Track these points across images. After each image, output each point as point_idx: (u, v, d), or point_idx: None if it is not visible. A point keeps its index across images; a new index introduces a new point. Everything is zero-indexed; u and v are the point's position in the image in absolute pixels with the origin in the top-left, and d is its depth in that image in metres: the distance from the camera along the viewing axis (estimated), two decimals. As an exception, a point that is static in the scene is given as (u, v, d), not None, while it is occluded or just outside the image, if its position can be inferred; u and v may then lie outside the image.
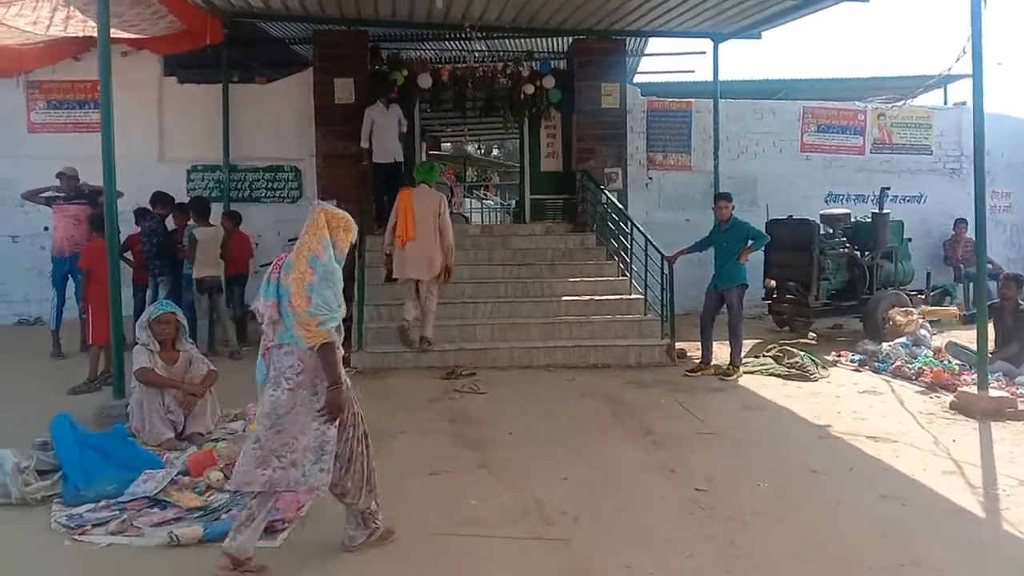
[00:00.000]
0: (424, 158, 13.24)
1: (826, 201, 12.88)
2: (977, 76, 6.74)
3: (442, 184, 10.21)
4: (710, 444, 5.78)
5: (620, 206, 10.91)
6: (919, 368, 8.02)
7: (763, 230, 9.94)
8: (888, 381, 7.93)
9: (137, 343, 5.71)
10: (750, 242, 8.22)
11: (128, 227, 9.67)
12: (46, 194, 9.10)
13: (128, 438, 5.12)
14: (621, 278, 10.13)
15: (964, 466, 5.32)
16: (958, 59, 7.70)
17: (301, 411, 3.68)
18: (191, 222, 9.15)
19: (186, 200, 9.97)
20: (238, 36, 11.20)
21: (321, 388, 3.70)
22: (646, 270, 9.42)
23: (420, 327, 8.31)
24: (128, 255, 9.51)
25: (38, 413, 5.96)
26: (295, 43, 12.93)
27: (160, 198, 9.39)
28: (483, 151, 28.96)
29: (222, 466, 4.77)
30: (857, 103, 13.93)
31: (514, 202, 15.92)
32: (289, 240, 10.40)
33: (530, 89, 11.68)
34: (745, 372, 8.16)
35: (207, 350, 8.59)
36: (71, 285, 8.77)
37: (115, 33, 8.73)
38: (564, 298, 9.63)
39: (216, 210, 10.36)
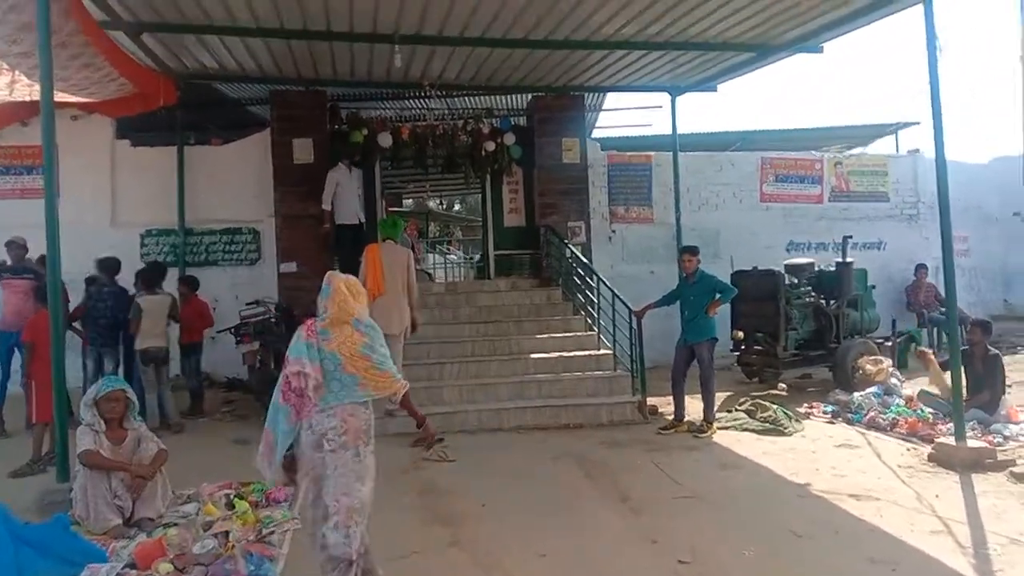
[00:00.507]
0: (385, 215, 13.11)
1: (787, 250, 12.97)
2: (937, 123, 6.78)
3: (403, 241, 10.09)
4: (690, 509, 5.56)
5: (585, 260, 10.83)
6: (893, 418, 7.93)
7: (729, 282, 9.94)
8: (863, 433, 7.81)
9: (81, 422, 5.36)
10: (718, 295, 8.13)
11: (79, 296, 9.36)
12: None
13: (70, 528, 4.74)
14: (589, 333, 9.99)
15: (951, 524, 5.17)
16: (913, 105, 7.77)
17: (346, 471, 3.88)
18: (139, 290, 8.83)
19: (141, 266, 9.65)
20: (193, 98, 11.02)
21: (364, 450, 3.96)
22: (614, 324, 9.28)
23: None
24: (78, 324, 9.15)
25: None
26: (252, 104, 12.78)
27: (105, 265, 9.00)
28: (445, 206, 28.94)
29: (172, 557, 4.42)
30: (814, 152, 14.14)
31: (478, 256, 15.81)
32: (247, 303, 10.21)
33: (491, 146, 11.65)
34: (719, 428, 8.00)
35: (158, 425, 8.22)
36: (17, 359, 8.34)
37: (63, 97, 8.50)
38: (532, 355, 9.45)
39: (172, 275, 10.09)
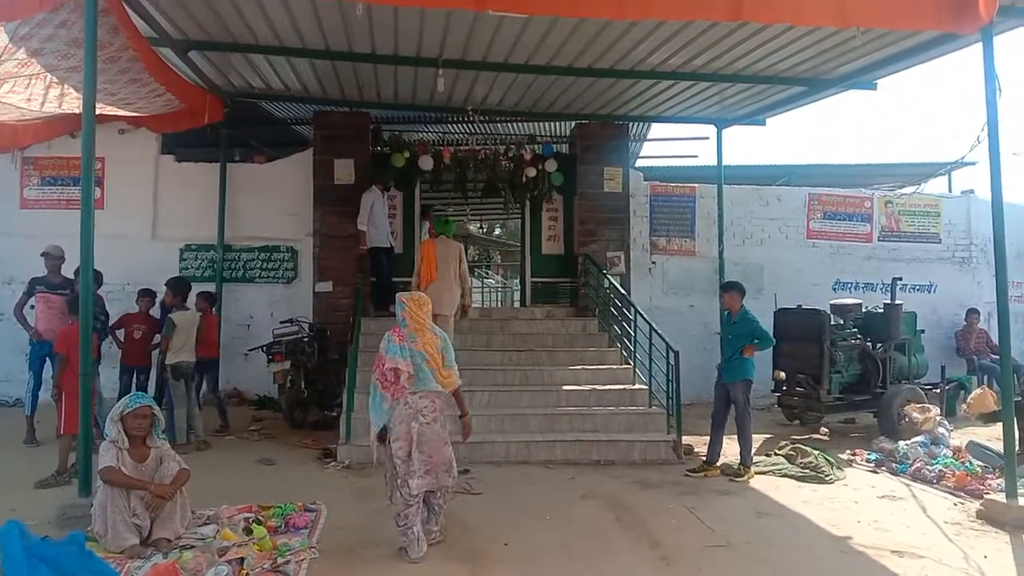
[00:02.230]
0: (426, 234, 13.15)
1: (834, 289, 12.64)
2: (995, 165, 6.51)
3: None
4: (723, 559, 5.30)
5: (623, 291, 10.64)
6: (940, 470, 7.57)
7: (772, 319, 9.68)
8: (908, 484, 7.46)
9: (106, 438, 5.31)
10: (755, 341, 7.86)
11: (116, 308, 9.45)
12: (27, 294, 8.84)
13: (85, 547, 4.65)
14: (624, 367, 9.77)
15: (1002, 589, 4.85)
16: (972, 148, 7.50)
17: (436, 436, 5.32)
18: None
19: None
20: (238, 115, 11.16)
21: (444, 423, 5.44)
22: (650, 358, 9.06)
23: None
24: (120, 334, 9.21)
25: (1, 507, 5.63)
26: (296, 123, 12.91)
27: (177, 286, 9.06)
28: (485, 230, 28.94)
29: (184, 583, 4.32)
30: (863, 190, 13.81)
31: (515, 282, 15.73)
32: (281, 322, 10.22)
33: (532, 172, 11.61)
34: (756, 472, 7.70)
35: (186, 441, 8.22)
36: (49, 368, 8.40)
37: (111, 111, 8.64)
38: (565, 387, 9.24)
39: (208, 289, 10.16)
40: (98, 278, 8.35)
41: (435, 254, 9.11)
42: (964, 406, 7.79)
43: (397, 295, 5.70)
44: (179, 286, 9.01)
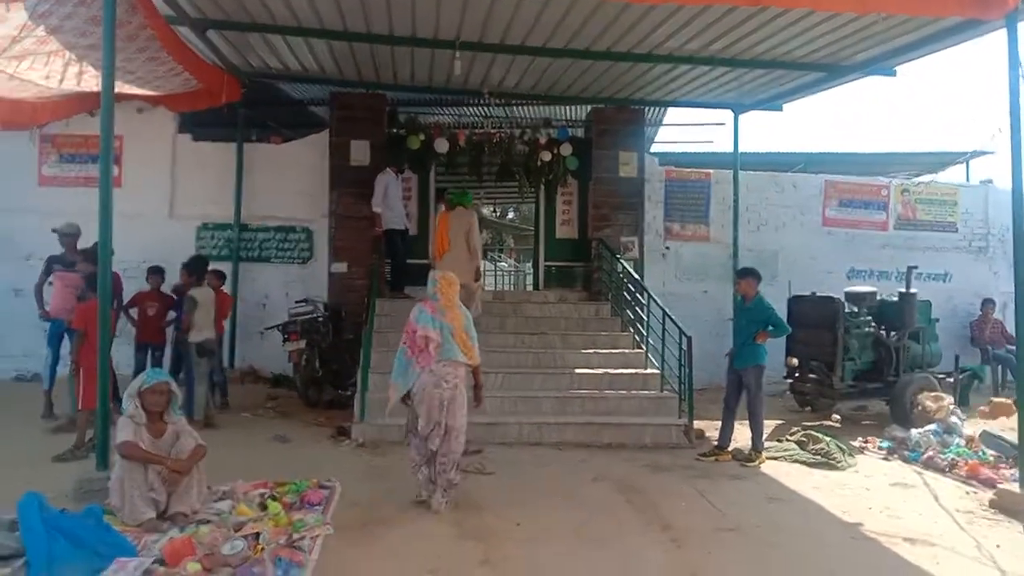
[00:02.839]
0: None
1: (848, 277, 12.59)
2: (1016, 154, 6.43)
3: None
4: (733, 543, 5.33)
5: (636, 276, 10.64)
6: (952, 459, 7.57)
7: (786, 306, 9.64)
8: (920, 473, 7.46)
9: (123, 413, 5.38)
10: (769, 328, 7.84)
11: (134, 286, 9.51)
12: (44, 273, 8.91)
13: (103, 520, 4.73)
14: (636, 351, 9.78)
15: (1012, 578, 4.86)
16: (993, 136, 7.42)
17: (455, 404, 5.79)
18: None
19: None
20: (256, 96, 11.17)
21: (463, 390, 5.91)
22: (663, 343, 9.07)
23: None
24: (133, 312, 9.29)
25: (20, 480, 5.67)
26: (313, 104, 12.91)
27: (194, 266, 9.13)
28: (499, 214, 28.91)
29: (200, 556, 4.38)
30: (880, 178, 13.70)
31: (528, 266, 15.74)
32: (297, 301, 10.28)
33: (547, 156, 11.61)
34: (768, 458, 7.71)
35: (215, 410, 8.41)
36: (66, 344, 8.48)
37: (129, 89, 8.66)
38: (577, 370, 9.27)
39: (224, 268, 10.24)
40: (90, 256, 8.39)
41: (449, 227, 9.52)
42: (984, 409, 7.80)
43: (431, 272, 6.32)
44: (196, 265, 9.07)
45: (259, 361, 11.34)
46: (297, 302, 10.35)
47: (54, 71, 7.76)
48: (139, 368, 8.83)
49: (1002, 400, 8.19)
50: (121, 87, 8.07)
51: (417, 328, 5.80)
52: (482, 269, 10.00)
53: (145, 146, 11.36)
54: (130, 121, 10.72)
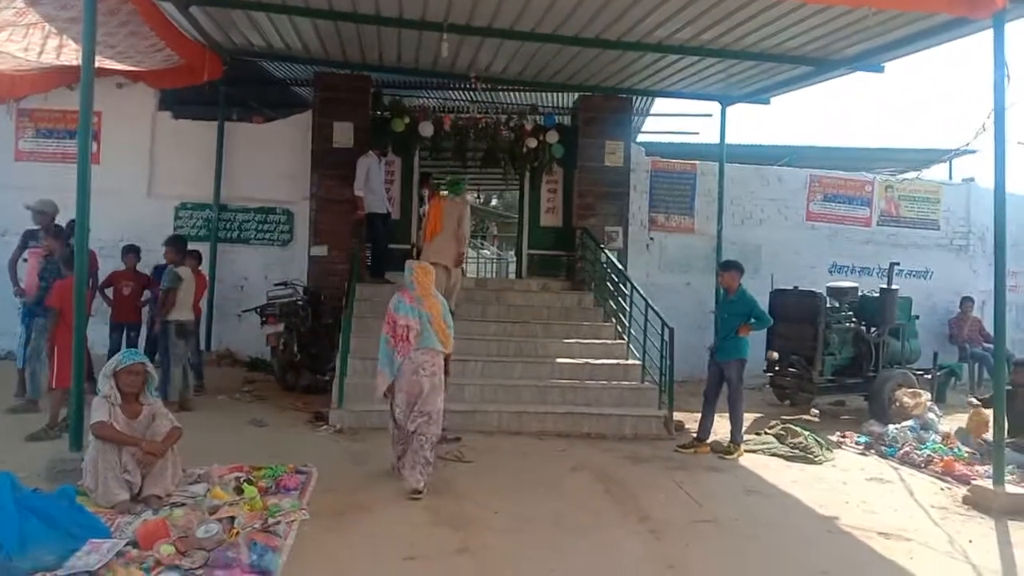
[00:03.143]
0: (426, 202, 13.09)
1: (831, 272, 12.65)
2: (999, 153, 6.46)
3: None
4: (710, 535, 5.33)
5: (620, 266, 10.61)
6: (928, 455, 7.62)
7: (768, 300, 9.66)
8: (896, 468, 7.51)
9: (98, 393, 5.29)
10: (752, 320, 7.85)
11: (110, 265, 9.37)
12: (20, 248, 8.75)
13: (76, 501, 4.65)
14: (618, 341, 9.77)
15: (984, 573, 4.89)
16: (977, 135, 7.45)
17: (433, 391, 5.98)
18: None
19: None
20: (238, 74, 11.02)
21: (440, 377, 6.10)
22: (645, 334, 9.07)
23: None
24: (109, 292, 9.15)
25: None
26: (296, 84, 12.76)
27: (179, 244, 9.02)
28: (482, 200, 28.80)
29: (174, 539, 4.32)
30: (865, 173, 13.76)
31: (511, 254, 15.71)
32: (275, 284, 10.17)
33: (533, 143, 11.54)
34: (746, 451, 7.73)
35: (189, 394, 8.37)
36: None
37: (109, 64, 8.50)
38: (558, 360, 9.24)
39: (202, 249, 10.13)
40: (60, 233, 8.26)
41: (443, 211, 9.65)
42: (965, 420, 7.87)
43: (407, 262, 6.48)
44: (181, 244, 8.95)
45: (236, 344, 11.22)
46: (276, 285, 10.24)
47: (33, 43, 7.62)
48: (114, 348, 8.72)
49: (983, 413, 8.14)
50: (101, 61, 7.92)
51: (397, 318, 6.00)
52: (465, 256, 10.07)
53: (124, 123, 11.16)
54: (109, 97, 10.49)
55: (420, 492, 5.73)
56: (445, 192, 10.22)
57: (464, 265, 10.22)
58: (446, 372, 6.26)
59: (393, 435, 6.16)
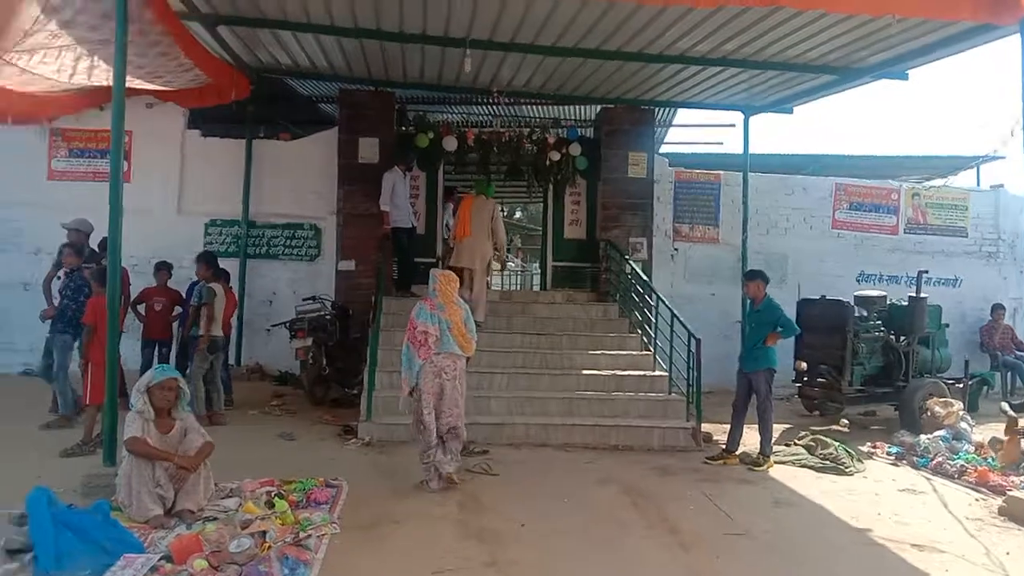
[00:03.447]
0: (449, 217, 13.18)
1: (858, 281, 12.55)
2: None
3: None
4: (741, 548, 5.29)
5: (645, 277, 10.60)
6: (962, 465, 7.51)
7: (795, 310, 9.59)
8: (929, 479, 7.41)
9: (132, 409, 5.37)
10: (779, 329, 7.79)
11: (143, 281, 9.53)
12: (55, 266, 8.93)
13: (110, 516, 4.72)
14: (644, 353, 9.74)
15: (1023, 587, 4.82)
16: (1005, 141, 7.37)
17: (455, 391, 6.37)
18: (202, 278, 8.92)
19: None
20: (265, 92, 11.18)
21: (462, 381, 6.50)
22: (671, 345, 9.05)
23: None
24: (141, 308, 9.30)
25: (27, 475, 5.70)
26: (322, 101, 12.92)
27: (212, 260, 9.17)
28: (506, 213, 28.85)
29: (207, 553, 4.37)
30: (890, 181, 13.64)
31: (536, 267, 15.76)
32: (304, 299, 10.27)
33: (556, 155, 11.59)
34: (776, 462, 7.67)
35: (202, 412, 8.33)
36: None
37: (139, 84, 8.67)
38: (584, 372, 9.24)
39: (231, 265, 10.26)
40: (81, 251, 8.40)
41: (470, 212, 9.82)
42: (995, 454, 7.73)
43: (432, 271, 6.80)
44: (212, 259, 9.10)
45: (265, 358, 11.35)
46: (304, 299, 10.34)
47: (65, 65, 7.78)
48: (146, 364, 8.84)
49: (1016, 441, 7.91)
50: (131, 81, 8.06)
51: (417, 324, 6.35)
52: (504, 256, 10.54)
53: (154, 142, 11.38)
54: (139, 116, 10.73)
55: (453, 478, 6.29)
56: (454, 202, 10.57)
57: (506, 260, 10.76)
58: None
59: (421, 446, 6.33)
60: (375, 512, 5.60)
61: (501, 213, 10.43)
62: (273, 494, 5.58)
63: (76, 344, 7.94)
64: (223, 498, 5.53)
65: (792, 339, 8.85)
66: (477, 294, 9.72)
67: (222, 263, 9.64)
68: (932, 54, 8.53)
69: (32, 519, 4.35)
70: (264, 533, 4.76)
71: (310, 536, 4.82)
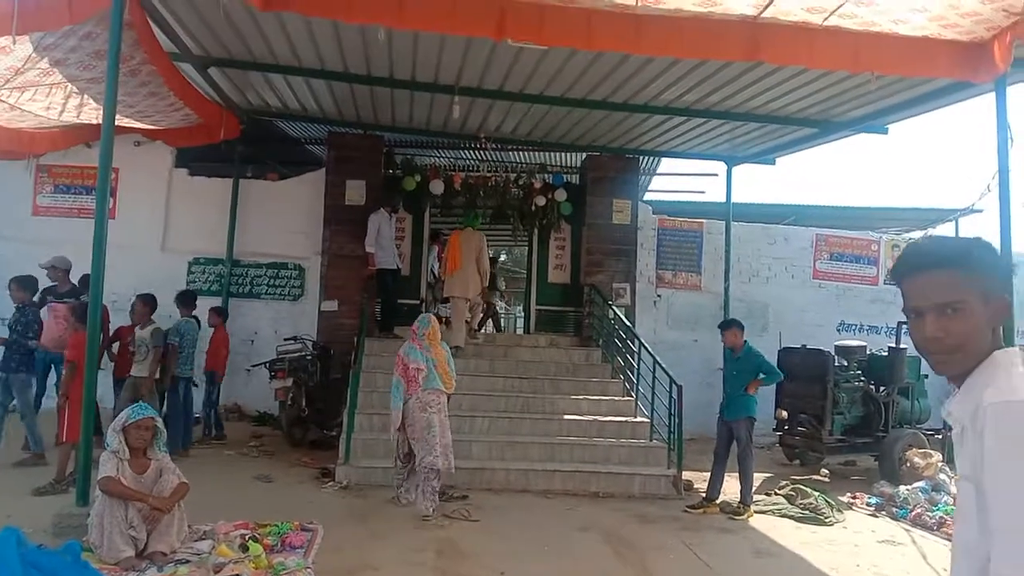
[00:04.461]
0: (434, 260, 13.29)
1: (838, 330, 12.64)
2: (1004, 213, 6.54)
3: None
4: (720, 598, 5.26)
5: (627, 323, 10.64)
6: (940, 517, 7.51)
7: (776, 358, 9.63)
8: (908, 530, 7.40)
9: (107, 448, 5.30)
10: (761, 376, 7.82)
11: (121, 318, 9.45)
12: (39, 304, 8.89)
13: (80, 557, 4.63)
14: (626, 398, 9.74)
15: (1002, 642, 4.77)
16: (982, 196, 7.53)
17: (440, 424, 6.87)
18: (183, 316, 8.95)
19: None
20: (254, 132, 11.24)
21: (445, 414, 7.04)
22: (653, 391, 9.05)
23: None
24: (115, 347, 9.21)
25: (-5, 515, 5.57)
26: (310, 143, 13.00)
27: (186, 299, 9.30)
28: (491, 256, 28.86)
29: (179, 598, 4.29)
30: (870, 233, 13.84)
31: (520, 310, 15.81)
32: (285, 339, 10.23)
33: (541, 201, 11.71)
34: (756, 511, 7.64)
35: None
36: (53, 375, 8.41)
37: (128, 122, 8.72)
38: (566, 416, 9.21)
39: (214, 304, 10.23)
40: (30, 285, 8.30)
41: (459, 245, 10.37)
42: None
43: (424, 315, 7.66)
44: (189, 299, 9.12)
45: (244, 398, 11.26)
46: (286, 339, 10.30)
47: (55, 102, 7.84)
48: (121, 403, 8.73)
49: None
50: (120, 120, 8.12)
51: (408, 362, 6.92)
52: (485, 284, 10.85)
53: (141, 179, 11.41)
54: (127, 154, 10.78)
55: (429, 517, 6.63)
56: (439, 245, 11.15)
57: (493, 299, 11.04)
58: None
59: (396, 467, 7.18)
60: (351, 557, 5.52)
61: (486, 243, 10.83)
62: (247, 537, 5.50)
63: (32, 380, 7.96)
64: (196, 540, 5.43)
65: (773, 387, 8.88)
66: (475, 313, 10.98)
67: (206, 301, 9.65)
68: (911, 109, 8.73)
69: (0, 560, 4.25)
70: (237, 577, 4.68)
71: (284, 581, 4.74)
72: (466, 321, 10.95)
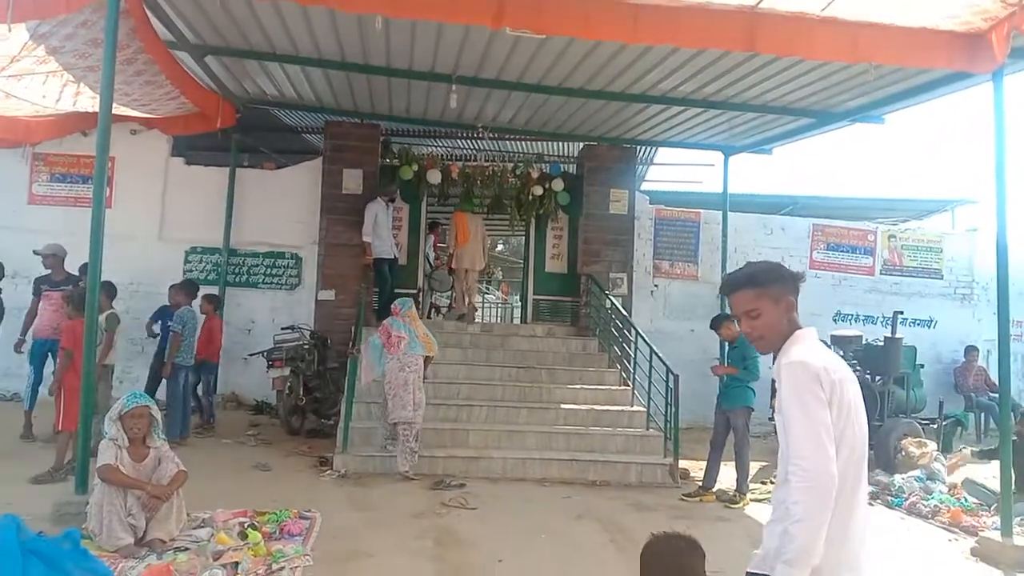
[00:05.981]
0: (431, 249, 13.33)
1: (835, 320, 12.65)
2: (1000, 203, 6.54)
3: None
4: (716, 585, 5.28)
5: (624, 312, 10.66)
6: (935, 506, 7.57)
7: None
8: (903, 518, 7.46)
9: (105, 436, 5.32)
10: (740, 368, 7.84)
11: (119, 307, 9.43)
12: (35, 295, 8.95)
13: (80, 544, 4.64)
14: (623, 388, 9.77)
15: (995, 628, 4.84)
16: (979, 186, 7.53)
17: (416, 384, 7.81)
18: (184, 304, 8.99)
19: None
20: (250, 121, 11.21)
21: (421, 373, 7.97)
22: (649, 381, 9.08)
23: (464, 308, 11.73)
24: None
25: (-7, 503, 5.58)
26: (307, 132, 12.98)
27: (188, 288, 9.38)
28: (488, 245, 28.82)
29: (178, 585, 4.31)
30: (867, 223, 13.85)
31: (517, 299, 15.84)
32: (283, 328, 10.24)
33: (539, 190, 11.70)
34: (752, 500, 7.69)
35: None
36: (50, 364, 8.42)
37: (124, 111, 8.69)
38: (563, 406, 9.25)
39: (211, 292, 10.23)
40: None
41: (467, 222, 11.28)
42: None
43: (406, 299, 8.54)
44: (192, 288, 9.16)
45: (242, 388, 11.27)
46: (283, 329, 10.31)
47: (51, 90, 7.80)
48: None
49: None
50: (117, 108, 8.08)
51: (392, 331, 7.94)
52: (487, 261, 12.32)
53: (137, 168, 11.36)
54: (123, 142, 10.72)
55: (408, 475, 7.57)
56: (436, 235, 12.30)
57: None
58: (425, 366, 8.08)
59: (383, 423, 8.05)
60: (349, 545, 5.56)
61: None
62: (246, 525, 5.54)
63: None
64: (195, 528, 5.47)
65: (770, 378, 8.88)
66: (471, 287, 11.75)
67: (203, 290, 9.66)
68: (908, 99, 8.70)
69: (1, 547, 4.26)
70: (236, 564, 4.72)
71: (283, 568, 4.78)
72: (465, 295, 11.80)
